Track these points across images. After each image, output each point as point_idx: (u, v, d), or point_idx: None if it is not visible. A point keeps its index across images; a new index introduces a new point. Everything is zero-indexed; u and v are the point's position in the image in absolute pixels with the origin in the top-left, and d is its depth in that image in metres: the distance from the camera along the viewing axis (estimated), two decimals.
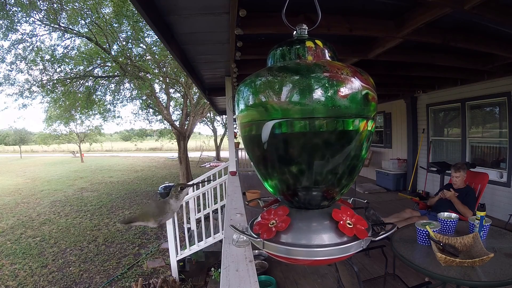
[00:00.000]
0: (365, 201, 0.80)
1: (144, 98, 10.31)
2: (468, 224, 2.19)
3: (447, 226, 2.20)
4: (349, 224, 0.52)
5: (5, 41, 7.54)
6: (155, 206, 1.27)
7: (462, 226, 2.31)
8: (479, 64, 3.62)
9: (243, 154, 9.71)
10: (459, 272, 1.64)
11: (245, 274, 1.29)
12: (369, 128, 0.53)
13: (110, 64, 8.40)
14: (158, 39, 6.86)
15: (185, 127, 11.41)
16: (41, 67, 8.17)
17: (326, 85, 0.47)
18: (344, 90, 0.48)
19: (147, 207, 1.29)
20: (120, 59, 8.00)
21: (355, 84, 0.49)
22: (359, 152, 0.54)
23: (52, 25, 7.56)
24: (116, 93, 9.99)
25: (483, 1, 1.79)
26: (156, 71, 9.51)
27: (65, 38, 8.21)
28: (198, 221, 5.46)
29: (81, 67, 8.46)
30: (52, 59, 8.03)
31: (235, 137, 5.80)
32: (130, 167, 18.15)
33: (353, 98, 0.49)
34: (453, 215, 2.28)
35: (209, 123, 20.28)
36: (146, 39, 8.63)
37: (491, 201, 4.59)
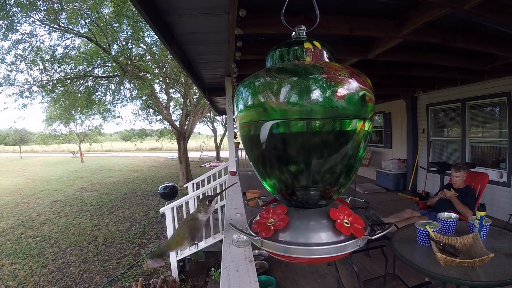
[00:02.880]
0: (363, 200, 0.80)
1: (144, 98, 10.32)
2: (468, 224, 2.19)
3: (447, 226, 2.20)
4: (346, 223, 0.53)
5: (5, 41, 7.55)
6: (187, 229, 1.18)
7: (462, 226, 2.31)
8: (479, 64, 3.62)
9: (243, 154, 9.71)
10: (459, 272, 1.64)
11: (245, 274, 1.29)
12: (367, 129, 0.53)
13: (110, 64, 8.40)
14: (158, 39, 6.87)
15: (185, 127, 11.41)
16: (41, 67, 8.18)
17: (324, 86, 0.48)
18: (341, 91, 0.48)
19: (180, 233, 1.22)
20: (120, 59, 8.01)
21: (352, 85, 0.49)
22: (356, 152, 0.55)
23: (52, 25, 7.57)
24: (116, 93, 10.01)
25: (483, 1, 1.79)
26: (156, 71, 9.52)
27: (65, 38, 8.22)
28: None
29: (81, 67, 8.46)
30: (52, 59, 8.03)
31: (235, 137, 5.79)
32: (130, 167, 18.16)
33: (350, 99, 0.49)
34: (453, 215, 2.28)
35: (209, 123, 20.31)
36: (146, 39, 8.64)
37: (491, 201, 4.59)
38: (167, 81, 10.56)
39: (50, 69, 8.37)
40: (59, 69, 8.46)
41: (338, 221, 0.53)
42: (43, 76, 8.44)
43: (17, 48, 7.89)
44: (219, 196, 1.21)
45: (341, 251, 0.51)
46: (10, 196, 10.61)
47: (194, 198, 4.64)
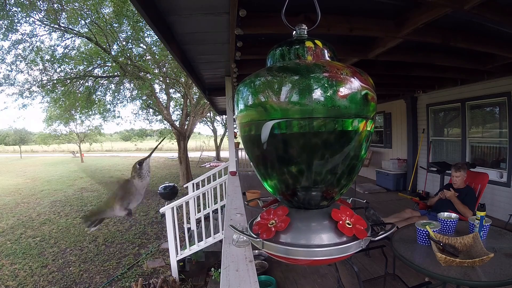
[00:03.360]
0: (364, 201, 0.80)
1: (144, 98, 10.31)
2: (468, 224, 2.19)
3: (447, 226, 2.20)
4: (348, 224, 0.52)
5: (5, 41, 7.54)
6: (117, 187, 1.09)
7: (462, 226, 2.31)
8: (479, 64, 3.62)
9: (243, 154, 9.71)
10: (459, 272, 1.64)
11: (245, 274, 1.29)
12: (369, 128, 0.53)
13: (110, 64, 8.40)
14: (158, 39, 6.87)
15: (185, 127, 11.41)
16: (41, 67, 8.18)
17: (326, 85, 0.47)
18: (343, 90, 0.48)
19: (111, 194, 1.11)
20: (120, 59, 8.00)
21: (355, 84, 0.49)
22: (358, 152, 0.54)
23: (52, 25, 7.57)
24: (116, 93, 10.00)
25: (483, 1, 1.79)
26: (156, 71, 9.52)
27: (65, 38, 8.22)
28: (198, 221, 5.46)
29: (81, 67, 8.46)
30: (52, 59, 8.03)
31: (235, 137, 5.79)
32: (130, 167, 17.84)
33: (353, 98, 0.48)
34: (453, 215, 2.28)
35: (209, 123, 20.31)
36: (146, 39, 8.64)
37: (491, 201, 4.59)
38: (167, 81, 10.55)
39: (50, 69, 8.37)
40: (59, 69, 8.46)
41: (340, 222, 0.52)
42: (43, 76, 8.44)
43: (17, 48, 7.90)
44: (150, 157, 1.13)
45: (343, 252, 0.51)
46: (10, 196, 10.60)
47: (194, 198, 4.64)
